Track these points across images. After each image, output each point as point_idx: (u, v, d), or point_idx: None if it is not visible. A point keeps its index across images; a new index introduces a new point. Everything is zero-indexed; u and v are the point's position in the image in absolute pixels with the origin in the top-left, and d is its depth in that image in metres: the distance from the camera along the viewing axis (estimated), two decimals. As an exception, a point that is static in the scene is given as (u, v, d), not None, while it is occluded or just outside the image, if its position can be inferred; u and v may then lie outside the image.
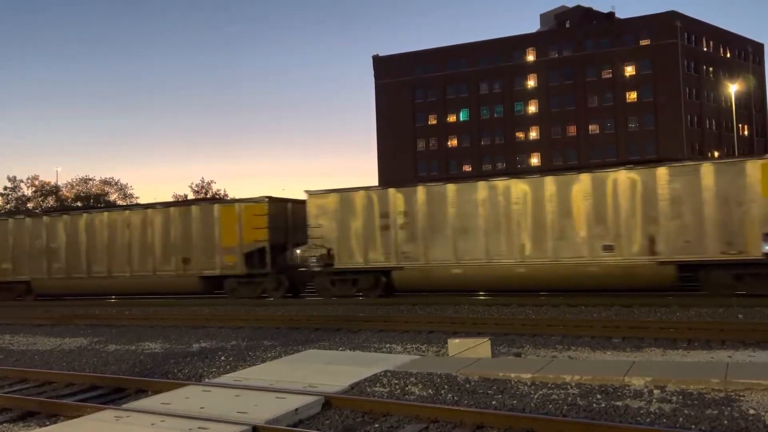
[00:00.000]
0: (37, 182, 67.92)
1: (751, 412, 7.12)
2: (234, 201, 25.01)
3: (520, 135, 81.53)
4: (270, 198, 24.34)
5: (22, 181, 67.04)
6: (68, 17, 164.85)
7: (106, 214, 26.73)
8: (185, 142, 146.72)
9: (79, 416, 7.98)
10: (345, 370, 9.85)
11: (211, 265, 24.44)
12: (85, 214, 27.13)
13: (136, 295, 26.10)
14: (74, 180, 70.99)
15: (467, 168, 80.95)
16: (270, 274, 23.77)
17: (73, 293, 27.19)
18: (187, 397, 8.38)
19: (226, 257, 24.24)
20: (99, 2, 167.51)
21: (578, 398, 7.94)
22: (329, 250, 22.44)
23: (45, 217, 28.26)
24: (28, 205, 64.43)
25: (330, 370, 9.97)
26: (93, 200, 65.31)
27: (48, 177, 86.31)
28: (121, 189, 71.11)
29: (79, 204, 62.03)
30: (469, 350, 10.82)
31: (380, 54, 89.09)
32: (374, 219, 21.88)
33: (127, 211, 26.38)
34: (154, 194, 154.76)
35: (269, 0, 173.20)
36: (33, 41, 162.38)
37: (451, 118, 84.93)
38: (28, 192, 67.60)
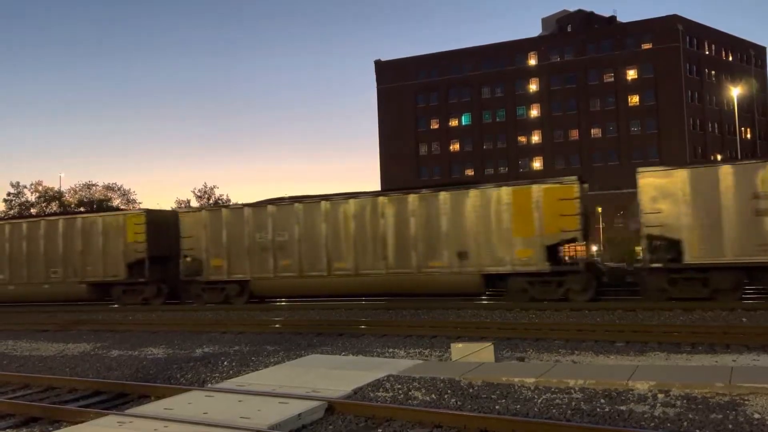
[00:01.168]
0: (40, 188, 68.13)
1: (756, 416, 7.09)
2: (531, 182, 20.99)
3: (523, 139, 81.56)
4: (580, 178, 20.55)
5: (25, 186, 67.27)
6: (71, 24, 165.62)
7: (352, 201, 22.64)
8: (187, 147, 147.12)
9: (81, 422, 7.97)
10: (348, 375, 9.83)
11: (498, 260, 20.51)
12: (323, 202, 23.13)
13: (394, 296, 22.30)
14: (77, 185, 71.21)
15: (470, 172, 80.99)
16: (579, 272, 19.74)
17: (306, 294, 23.77)
18: (190, 403, 8.37)
19: (517, 251, 20.39)
20: (101, 9, 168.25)
21: (582, 402, 7.91)
22: (674, 241, 18.65)
23: (270, 207, 24.18)
24: (31, 210, 64.57)
25: (333, 374, 9.95)
26: (96, 205, 65.45)
27: (51, 182, 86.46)
28: (124, 194, 71.32)
29: (82, 209, 62.11)
30: (472, 355, 10.80)
31: (382, 59, 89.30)
32: (744, 201, 17.79)
33: (381, 198, 22.45)
34: (157, 200, 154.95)
35: (271, 5, 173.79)
36: (35, 47, 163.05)
37: (454, 123, 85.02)
38: (32, 198, 67.82)
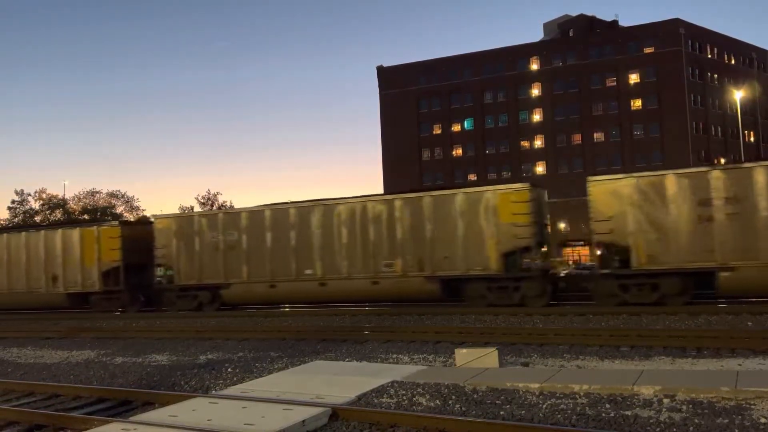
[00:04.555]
0: (44, 195, 68.29)
1: (762, 420, 7.05)
2: (115, 222, 28.13)
3: (525, 144, 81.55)
4: (125, 221, 27.88)
5: (29, 194, 67.45)
6: (74, 31, 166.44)
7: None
8: (191, 153, 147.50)
9: (86, 429, 7.98)
10: (352, 381, 9.81)
11: (77, 282, 26.82)
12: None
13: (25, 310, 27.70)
14: (81, 193, 71.37)
15: (472, 177, 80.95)
16: (122, 291, 25.89)
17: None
18: (194, 410, 8.37)
19: (87, 275, 26.35)
20: (103, 16, 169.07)
21: (587, 408, 7.88)
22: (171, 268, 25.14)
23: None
24: (35, 218, 64.71)
25: (337, 381, 9.93)
26: (100, 213, 65.56)
27: (55, 190, 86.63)
28: (128, 201, 71.47)
29: (86, 217, 62.19)
30: (476, 360, 10.77)
31: (385, 64, 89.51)
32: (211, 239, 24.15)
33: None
34: (161, 206, 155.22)
35: (273, 11, 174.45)
36: (39, 56, 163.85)
37: (456, 128, 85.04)
38: (36, 205, 67.97)
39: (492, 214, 20.08)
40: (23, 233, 28.17)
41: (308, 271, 22.62)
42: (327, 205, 22.64)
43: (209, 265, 24.16)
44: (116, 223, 27.50)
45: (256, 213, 23.76)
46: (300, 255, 22.73)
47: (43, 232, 27.63)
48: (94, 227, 26.66)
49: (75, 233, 26.50)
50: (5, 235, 28.73)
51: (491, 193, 20.27)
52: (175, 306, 24.76)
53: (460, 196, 20.75)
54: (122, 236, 25.75)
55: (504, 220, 19.89)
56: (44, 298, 27.21)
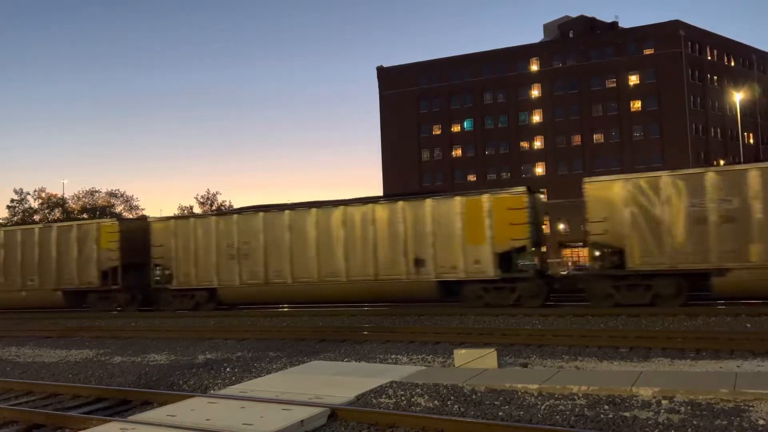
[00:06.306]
0: (43, 194, 68.35)
1: (761, 422, 7.06)
2: (481, 192, 20.93)
3: (525, 145, 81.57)
4: (530, 188, 20.71)
5: (28, 193, 67.51)
6: (73, 31, 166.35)
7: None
8: (190, 153, 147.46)
9: (84, 428, 7.98)
10: (350, 382, 9.82)
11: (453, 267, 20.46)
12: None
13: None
14: (80, 192, 71.44)
15: (472, 178, 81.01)
16: (529, 279, 19.62)
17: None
18: (193, 409, 8.37)
19: (471, 258, 20.09)
20: (103, 16, 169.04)
21: (585, 409, 7.88)
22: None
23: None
24: (34, 217, 64.72)
25: (335, 381, 9.94)
26: (99, 212, 65.57)
27: (54, 189, 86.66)
28: (127, 201, 71.56)
29: (85, 216, 62.20)
30: (475, 361, 10.77)
31: (384, 65, 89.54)
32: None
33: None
34: (161, 206, 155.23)
35: (274, 12, 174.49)
36: (39, 56, 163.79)
37: (456, 128, 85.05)
38: (35, 204, 68.02)
39: None
40: (363, 206, 22.34)
41: None
42: None
43: (686, 244, 18.09)
44: (522, 189, 20.57)
45: None
46: None
47: (400, 203, 21.82)
48: (485, 195, 20.74)
49: (454, 204, 20.91)
50: (337, 208, 22.78)
51: None
52: (611, 300, 18.71)
53: None
54: (530, 207, 20.09)
55: None
56: (403, 287, 21.49)
